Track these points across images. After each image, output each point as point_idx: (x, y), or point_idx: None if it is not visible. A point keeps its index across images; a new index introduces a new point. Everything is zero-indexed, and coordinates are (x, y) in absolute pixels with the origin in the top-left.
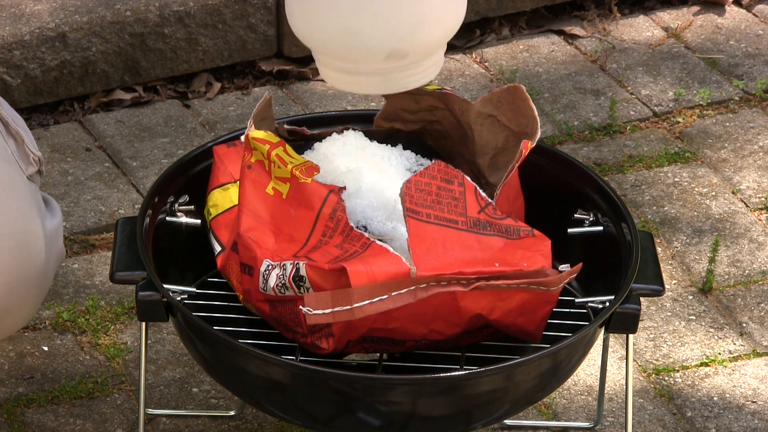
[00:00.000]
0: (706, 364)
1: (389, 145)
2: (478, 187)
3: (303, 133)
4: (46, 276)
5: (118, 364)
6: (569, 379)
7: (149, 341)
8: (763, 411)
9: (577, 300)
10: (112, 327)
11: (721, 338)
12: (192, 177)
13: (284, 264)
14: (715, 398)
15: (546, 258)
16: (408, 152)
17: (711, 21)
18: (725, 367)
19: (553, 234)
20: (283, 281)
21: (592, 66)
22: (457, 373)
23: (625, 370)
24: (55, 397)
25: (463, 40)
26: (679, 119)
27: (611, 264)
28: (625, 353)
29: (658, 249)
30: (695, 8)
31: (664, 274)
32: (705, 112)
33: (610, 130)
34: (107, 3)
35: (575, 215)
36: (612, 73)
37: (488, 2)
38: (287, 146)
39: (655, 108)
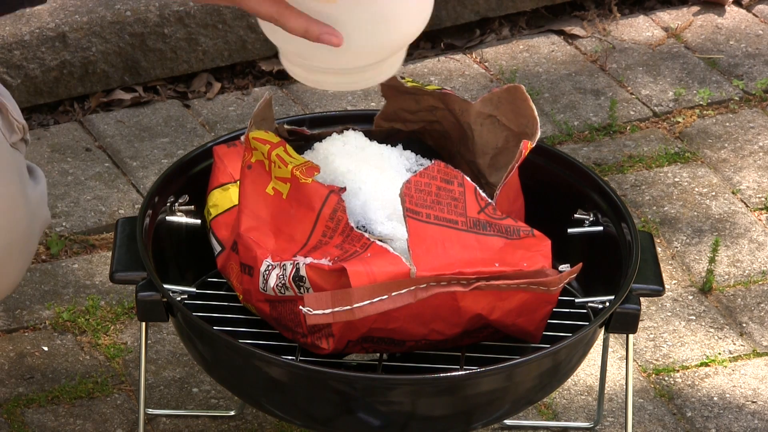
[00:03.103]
0: (706, 364)
1: (389, 145)
2: (477, 188)
3: (303, 133)
4: (29, 242)
5: (118, 364)
6: (569, 379)
7: (149, 341)
8: (763, 411)
9: (577, 300)
10: (112, 327)
11: (721, 338)
12: (192, 177)
13: (284, 264)
14: (715, 398)
15: (546, 258)
16: (408, 152)
17: (711, 21)
18: (725, 367)
19: (553, 234)
20: (283, 281)
21: (592, 66)
22: (457, 373)
23: (625, 370)
24: (55, 397)
25: (463, 40)
26: (679, 119)
27: (611, 264)
28: (625, 353)
29: (658, 249)
30: (695, 8)
31: (664, 274)
32: (705, 112)
33: (610, 130)
34: (107, 3)
35: (575, 215)
36: (612, 73)
37: (488, 2)
38: (287, 146)
39: (655, 108)
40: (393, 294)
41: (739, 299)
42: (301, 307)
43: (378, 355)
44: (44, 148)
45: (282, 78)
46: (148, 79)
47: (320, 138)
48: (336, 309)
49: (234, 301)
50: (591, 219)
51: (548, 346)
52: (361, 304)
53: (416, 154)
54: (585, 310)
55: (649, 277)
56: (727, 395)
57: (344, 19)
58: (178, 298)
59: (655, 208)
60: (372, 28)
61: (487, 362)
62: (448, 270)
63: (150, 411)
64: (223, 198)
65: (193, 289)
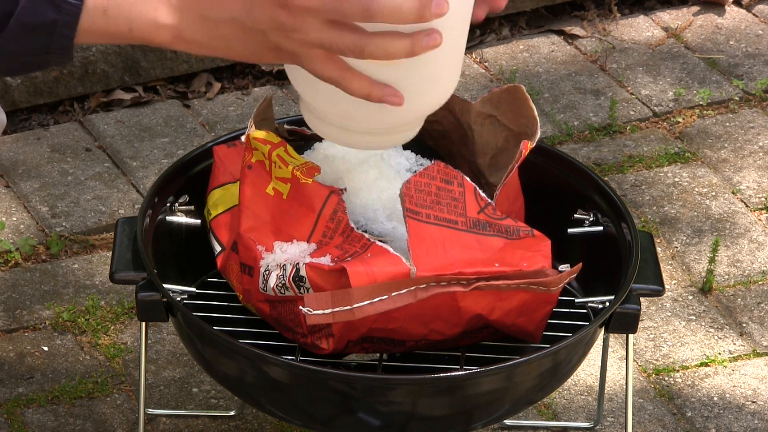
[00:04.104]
0: (706, 364)
1: None
2: (477, 188)
3: (303, 133)
4: None
5: (118, 364)
6: (569, 379)
7: (149, 341)
8: (763, 411)
9: (577, 300)
10: (112, 327)
11: (721, 338)
12: (192, 177)
13: (284, 264)
14: (715, 398)
15: (546, 258)
16: (408, 152)
17: (711, 21)
18: (725, 367)
19: (553, 234)
20: (283, 281)
21: (592, 66)
22: (457, 373)
23: (625, 370)
24: (55, 397)
25: None
26: (679, 119)
27: (611, 264)
28: (625, 353)
29: (658, 249)
30: (695, 8)
31: (664, 274)
32: (705, 112)
33: (610, 130)
34: None
35: (575, 215)
36: (612, 73)
37: None
38: (288, 146)
39: (655, 108)
40: (393, 294)
41: (739, 299)
42: (301, 307)
43: (378, 355)
44: (44, 148)
45: (282, 78)
46: (148, 79)
47: (320, 138)
48: (336, 309)
49: (234, 301)
50: (591, 219)
51: (548, 346)
52: (361, 304)
53: (416, 154)
54: (585, 310)
55: (649, 277)
56: (727, 395)
57: (402, 80)
58: (178, 298)
59: (655, 208)
60: (426, 88)
61: (487, 362)
62: (448, 270)
63: (150, 411)
64: (223, 198)
65: (193, 289)
